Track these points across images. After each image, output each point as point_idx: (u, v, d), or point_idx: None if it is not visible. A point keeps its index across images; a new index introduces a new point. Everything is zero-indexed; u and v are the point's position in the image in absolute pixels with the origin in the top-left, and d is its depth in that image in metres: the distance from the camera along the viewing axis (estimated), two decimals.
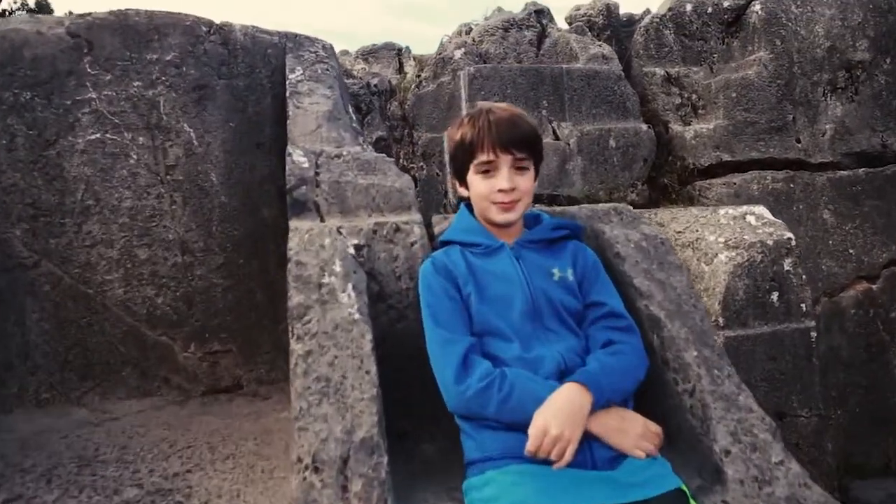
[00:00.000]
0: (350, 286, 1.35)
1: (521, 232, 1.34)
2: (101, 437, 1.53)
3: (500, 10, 3.77)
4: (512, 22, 3.55)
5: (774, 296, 2.27)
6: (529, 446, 1.01)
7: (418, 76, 3.60)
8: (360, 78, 3.69)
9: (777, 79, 2.95)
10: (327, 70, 1.83)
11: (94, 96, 1.84)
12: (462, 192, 1.38)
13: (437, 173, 3.32)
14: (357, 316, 1.30)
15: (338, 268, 1.38)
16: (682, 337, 1.30)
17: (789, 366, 2.25)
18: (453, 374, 1.10)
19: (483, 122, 1.27)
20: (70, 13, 1.99)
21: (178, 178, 1.91)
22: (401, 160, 3.28)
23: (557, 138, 3.05)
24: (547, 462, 1.01)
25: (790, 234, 2.32)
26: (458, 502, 1.12)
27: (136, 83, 1.85)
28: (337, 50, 2.56)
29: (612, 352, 1.15)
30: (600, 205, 1.60)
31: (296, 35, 1.94)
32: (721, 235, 2.39)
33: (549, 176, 2.95)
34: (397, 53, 4.13)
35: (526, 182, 1.28)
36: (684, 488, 1.02)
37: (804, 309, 2.28)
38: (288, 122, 1.70)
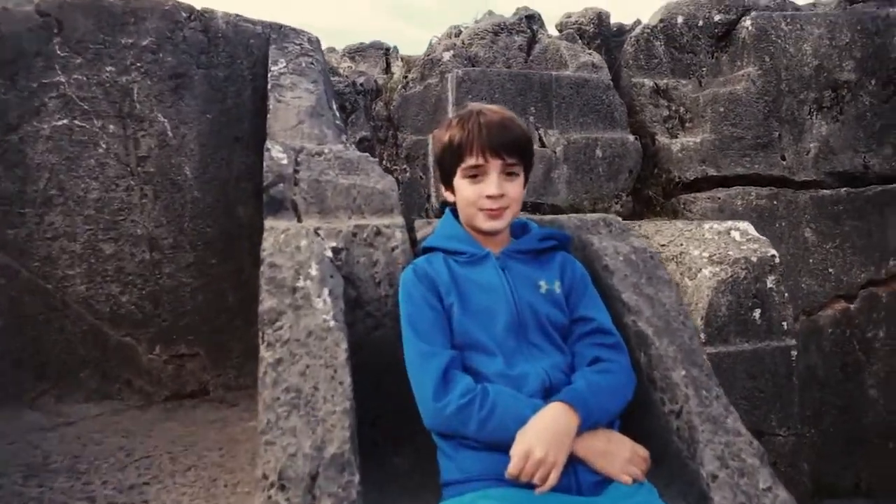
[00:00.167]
0: (326, 291, 1.28)
1: (508, 241, 1.29)
2: (52, 444, 1.44)
3: (490, 13, 3.74)
4: (502, 26, 3.51)
5: (756, 313, 2.26)
6: (511, 469, 0.95)
7: (405, 77, 3.55)
8: (346, 76, 3.62)
9: (765, 95, 2.94)
10: (312, 64, 1.76)
11: (62, 80, 1.74)
12: (448, 196, 1.32)
13: (421, 176, 3.27)
14: (332, 323, 1.24)
15: (314, 271, 1.31)
16: (670, 355, 1.26)
17: (769, 384, 2.23)
18: (432, 390, 1.04)
19: (473, 124, 1.21)
20: None
21: (149, 171, 1.81)
22: (384, 162, 3.21)
23: (544, 146, 3.01)
24: (529, 486, 0.96)
25: (774, 252, 2.30)
26: None
27: (108, 68, 1.76)
28: (324, 47, 2.49)
29: (599, 370, 1.10)
30: (589, 215, 1.55)
31: (280, 26, 1.87)
32: (705, 250, 2.37)
33: (534, 184, 2.91)
34: (385, 53, 4.07)
35: (515, 189, 1.23)
36: None
37: (785, 327, 2.27)
38: (268, 116, 1.63)
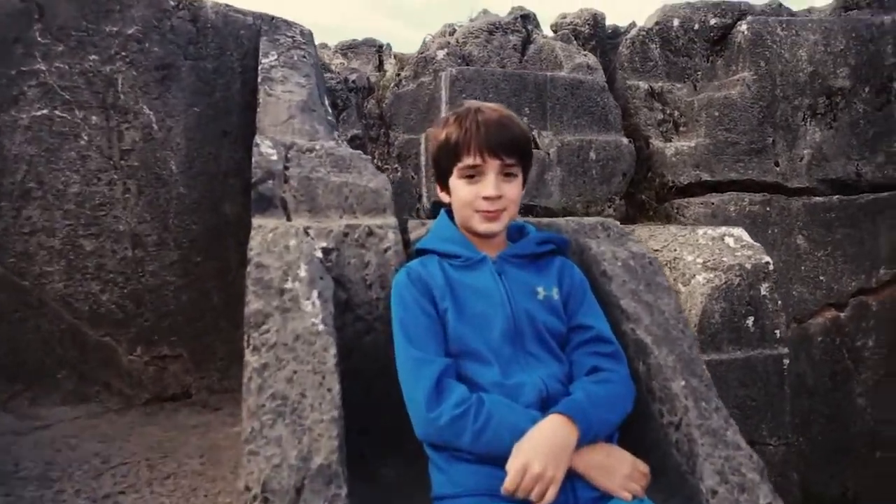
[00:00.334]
0: (315, 294, 1.23)
1: (505, 244, 1.25)
2: (24, 449, 1.37)
3: (485, 12, 3.70)
4: (497, 25, 3.48)
5: (750, 320, 2.24)
6: (507, 484, 0.91)
7: (398, 75, 3.50)
8: (338, 73, 3.57)
9: (759, 100, 2.93)
10: (304, 57, 1.71)
11: (43, 68, 1.67)
12: (443, 197, 1.28)
13: (412, 176, 3.22)
14: (321, 327, 1.19)
15: (303, 272, 1.26)
16: (669, 365, 1.22)
17: (761, 393, 2.21)
18: (425, 399, 1.00)
19: (471, 122, 1.17)
20: None
21: (133, 165, 1.75)
22: (375, 160, 3.17)
23: (537, 147, 2.98)
24: (526, 502, 0.91)
25: (768, 259, 2.29)
26: None
27: (92, 57, 1.69)
28: (316, 42, 2.43)
29: (598, 380, 1.06)
30: (587, 218, 1.51)
31: (272, 17, 1.81)
32: (699, 256, 2.35)
33: (527, 185, 2.88)
34: (378, 50, 4.02)
35: (513, 190, 1.19)
36: None
37: (778, 335, 2.25)
38: (258, 110, 1.57)
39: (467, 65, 3.30)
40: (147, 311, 1.74)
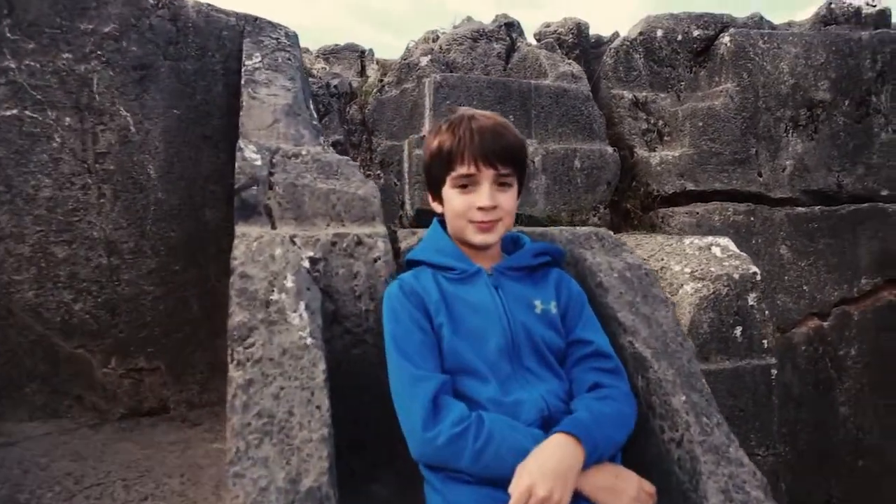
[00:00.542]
0: (303, 305, 1.18)
1: (500, 256, 1.21)
2: None
3: (469, 19, 3.68)
4: (481, 32, 3.46)
5: (738, 331, 2.23)
6: None
7: (381, 80, 3.46)
8: (320, 78, 3.51)
9: (742, 111, 2.95)
10: (289, 59, 1.65)
11: (12, 65, 1.59)
12: (435, 207, 1.24)
13: (395, 183, 3.18)
14: (309, 341, 1.14)
15: (289, 283, 1.21)
16: (668, 379, 1.19)
17: (749, 403, 2.20)
18: (421, 418, 0.95)
19: (464, 130, 1.13)
20: None
21: (108, 168, 1.67)
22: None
23: None
24: None
25: (755, 269, 2.29)
26: None
27: (65, 55, 1.62)
28: None
29: (601, 397, 1.02)
30: (580, 228, 1.48)
31: (256, 18, 1.75)
32: (687, 266, 2.34)
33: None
34: (360, 55, 3.97)
35: (508, 200, 1.15)
36: None
37: (766, 345, 2.25)
38: (241, 113, 1.51)
39: (451, 72, 3.28)
40: (122, 321, 1.66)
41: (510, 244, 1.25)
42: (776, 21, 3.54)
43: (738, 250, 2.37)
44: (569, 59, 3.42)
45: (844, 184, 3.01)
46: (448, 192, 1.16)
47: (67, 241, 1.64)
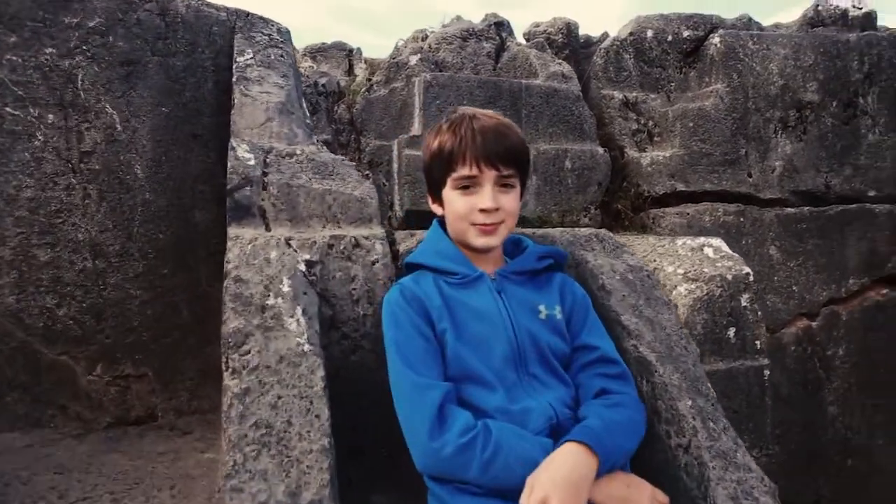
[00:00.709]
0: (300, 310, 1.15)
1: (502, 259, 1.18)
2: None
3: (458, 18, 3.65)
4: (471, 32, 3.43)
5: (731, 332, 2.23)
6: None
7: (369, 80, 3.42)
8: (308, 76, 3.46)
9: (733, 112, 2.95)
10: (282, 56, 1.61)
11: None
12: (435, 209, 1.21)
13: (384, 183, 3.14)
14: (307, 347, 1.10)
15: (286, 287, 1.17)
16: (674, 384, 1.17)
17: (743, 404, 2.20)
18: (427, 428, 0.92)
19: (466, 130, 1.10)
20: None
21: (94, 168, 1.62)
22: None
23: None
24: None
25: (748, 269, 2.28)
26: None
27: (48, 50, 1.55)
28: None
29: (610, 404, 1.00)
30: (580, 229, 1.46)
31: (247, 13, 1.70)
32: (680, 267, 2.33)
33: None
34: (347, 54, 3.92)
35: (511, 202, 1.13)
36: None
37: (759, 346, 2.25)
38: (232, 111, 1.47)
39: (440, 71, 3.24)
40: (108, 326, 1.60)
41: (511, 247, 1.22)
42: (764, 23, 3.56)
43: (729, 251, 2.36)
44: (558, 59, 3.40)
45: (832, 184, 3.03)
46: (449, 193, 1.13)
47: (50, 244, 1.58)
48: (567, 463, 0.87)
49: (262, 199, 1.34)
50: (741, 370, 2.21)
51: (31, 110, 1.56)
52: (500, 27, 3.53)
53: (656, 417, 1.16)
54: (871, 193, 3.04)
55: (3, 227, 1.56)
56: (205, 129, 1.68)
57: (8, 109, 1.54)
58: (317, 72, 3.68)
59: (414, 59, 3.31)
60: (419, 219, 2.58)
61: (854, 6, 3.28)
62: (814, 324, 2.97)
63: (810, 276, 2.96)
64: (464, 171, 1.10)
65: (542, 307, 1.10)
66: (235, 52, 1.58)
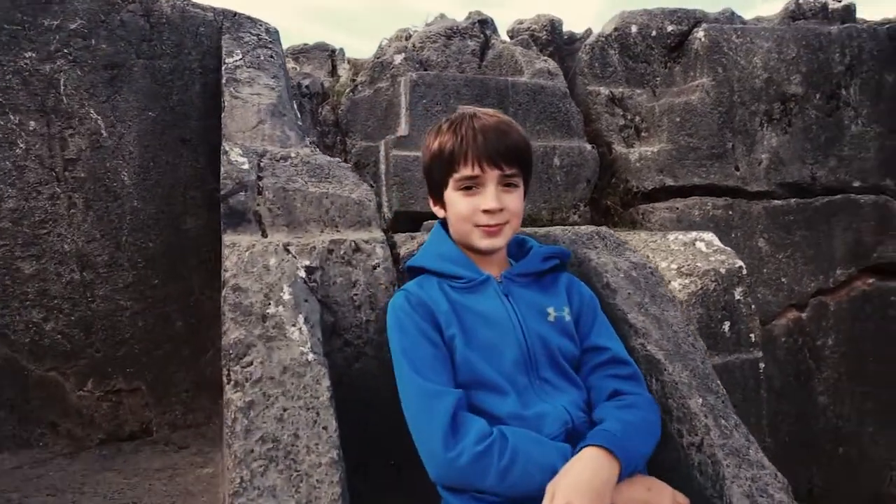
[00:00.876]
0: (301, 318, 1.12)
1: (506, 261, 1.16)
2: None
3: (442, 16, 3.62)
4: (455, 30, 3.40)
5: (726, 326, 2.23)
6: None
7: (353, 80, 3.38)
8: (291, 78, 3.41)
9: (719, 106, 2.97)
10: (271, 57, 1.57)
11: None
12: (437, 211, 1.18)
13: (371, 185, 3.10)
14: (311, 356, 1.07)
15: (286, 295, 1.14)
16: (684, 381, 1.16)
17: (738, 398, 2.20)
18: (440, 437, 0.89)
19: (467, 129, 1.08)
20: None
21: (79, 176, 1.56)
22: None
23: None
24: None
25: (741, 263, 2.29)
26: None
27: (28, 54, 1.50)
28: None
29: (625, 405, 0.98)
30: (582, 227, 1.45)
31: (235, 13, 1.66)
32: (673, 262, 2.33)
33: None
34: (330, 55, 3.88)
35: (515, 202, 1.10)
36: None
37: (753, 339, 2.26)
38: (223, 114, 1.43)
39: (425, 70, 3.22)
40: (98, 340, 1.55)
41: (515, 248, 1.20)
42: (746, 16, 3.58)
43: (721, 245, 2.37)
44: (543, 55, 3.39)
45: (818, 176, 3.05)
46: (451, 194, 1.11)
47: (35, 256, 1.52)
48: (588, 468, 0.85)
49: (258, 205, 1.30)
50: (737, 364, 2.21)
51: (12, 117, 1.50)
52: (484, 25, 3.51)
53: (667, 416, 1.14)
54: (856, 184, 3.07)
55: None
56: (193, 133, 1.64)
57: None
58: (300, 73, 3.63)
59: (399, 59, 3.27)
60: (408, 220, 2.55)
61: None
62: (803, 315, 3.00)
63: (799, 267, 2.99)
64: (466, 171, 1.07)
65: (550, 309, 1.08)
66: (224, 53, 1.54)
